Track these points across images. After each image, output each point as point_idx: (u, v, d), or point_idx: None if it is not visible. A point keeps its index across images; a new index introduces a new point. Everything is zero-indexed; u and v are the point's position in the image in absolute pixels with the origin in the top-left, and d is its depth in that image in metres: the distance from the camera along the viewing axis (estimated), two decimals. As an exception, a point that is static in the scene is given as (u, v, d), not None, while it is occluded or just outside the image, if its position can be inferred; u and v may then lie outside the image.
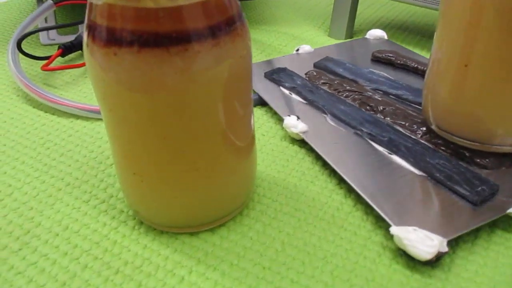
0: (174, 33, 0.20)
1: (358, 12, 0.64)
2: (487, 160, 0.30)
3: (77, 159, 0.33)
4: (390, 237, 0.26)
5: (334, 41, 0.55)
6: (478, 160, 0.30)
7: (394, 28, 0.59)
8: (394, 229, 0.25)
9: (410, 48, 0.52)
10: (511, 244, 0.26)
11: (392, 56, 0.44)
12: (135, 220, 0.28)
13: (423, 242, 0.24)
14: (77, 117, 0.38)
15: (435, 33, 0.31)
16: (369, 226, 0.27)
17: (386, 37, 0.50)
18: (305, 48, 0.47)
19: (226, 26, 0.21)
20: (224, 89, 0.22)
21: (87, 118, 0.38)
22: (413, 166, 0.30)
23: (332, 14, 0.57)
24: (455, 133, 0.31)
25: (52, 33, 0.53)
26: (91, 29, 0.21)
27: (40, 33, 0.53)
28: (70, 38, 0.51)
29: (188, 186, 0.24)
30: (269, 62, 0.45)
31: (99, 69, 0.21)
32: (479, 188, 0.27)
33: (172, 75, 0.20)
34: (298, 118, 0.35)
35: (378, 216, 0.28)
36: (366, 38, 0.51)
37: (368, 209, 0.29)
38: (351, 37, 0.57)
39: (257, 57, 0.50)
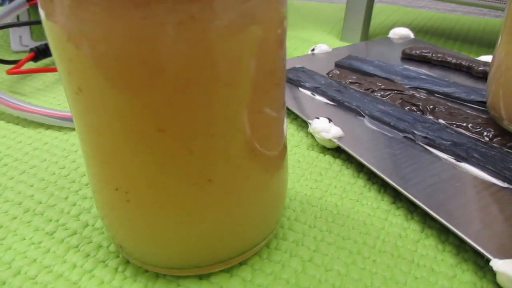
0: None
1: (373, 15, 0.58)
2: None
3: (43, 178, 0.25)
4: (484, 273, 0.19)
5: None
6: None
7: (414, 31, 0.53)
8: (497, 264, 0.17)
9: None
10: None
11: (427, 52, 0.37)
12: (119, 258, 0.20)
13: (549, 282, 0.16)
14: (47, 127, 0.30)
15: (506, 14, 0.24)
16: (450, 259, 0.20)
17: (412, 35, 0.44)
18: (322, 47, 0.40)
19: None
20: (250, 68, 0.15)
21: (59, 128, 0.30)
22: (494, 176, 0.22)
23: (345, 17, 0.51)
24: (543, 132, 0.23)
25: (25, 38, 0.46)
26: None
27: (11, 38, 0.45)
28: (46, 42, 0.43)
29: (197, 207, 0.16)
30: (281, 62, 0.38)
31: (61, 33, 0.14)
32: None
33: (173, 27, 0.13)
34: (330, 120, 0.27)
35: (458, 245, 0.20)
36: (389, 38, 0.44)
37: (443, 235, 0.21)
38: (365, 39, 0.51)
39: (265, 60, 0.43)
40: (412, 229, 0.21)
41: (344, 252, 0.20)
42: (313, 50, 0.40)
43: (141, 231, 0.17)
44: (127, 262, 0.19)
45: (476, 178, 0.23)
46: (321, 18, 0.58)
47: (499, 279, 0.17)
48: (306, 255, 0.20)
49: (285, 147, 0.19)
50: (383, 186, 0.24)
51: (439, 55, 0.36)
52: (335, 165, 0.26)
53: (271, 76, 0.16)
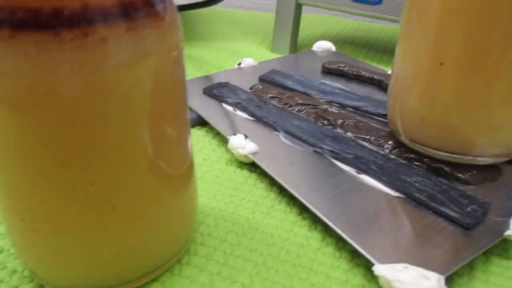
0: (67, 9, 0.14)
1: (301, 27, 0.60)
2: (469, 174, 0.25)
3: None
4: (373, 277, 0.21)
5: (277, 56, 0.51)
6: (460, 175, 0.25)
7: (340, 42, 0.56)
8: (379, 269, 0.19)
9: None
10: (511, 273, 0.22)
11: (344, 67, 0.40)
12: (33, 283, 0.20)
13: (419, 283, 0.18)
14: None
15: (400, 30, 0.26)
16: (344, 265, 0.22)
17: (334, 48, 0.46)
18: (248, 61, 0.42)
19: (146, 5, 0.15)
20: (145, 98, 0.16)
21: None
22: (388, 186, 0.25)
23: (274, 28, 0.53)
24: (429, 145, 0.26)
25: None
26: None
27: None
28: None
29: (102, 233, 0.17)
30: (207, 77, 0.39)
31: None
32: (469, 208, 0.23)
33: (64, 74, 0.14)
34: (246, 137, 0.29)
35: (353, 251, 0.22)
36: (313, 50, 0.46)
37: (340, 243, 0.23)
38: (295, 52, 0.53)
39: (195, 74, 0.44)
40: (314, 238, 0.23)
41: (250, 264, 0.21)
42: (239, 64, 0.42)
43: (49, 257, 0.18)
44: (41, 286, 0.20)
45: (373, 188, 0.25)
46: (252, 28, 0.60)
47: (380, 282, 0.20)
48: (215, 269, 0.21)
49: (191, 165, 0.21)
50: (292, 199, 0.26)
51: (354, 69, 0.39)
52: (251, 179, 0.28)
53: (168, 103, 0.18)
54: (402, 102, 0.27)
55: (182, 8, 0.51)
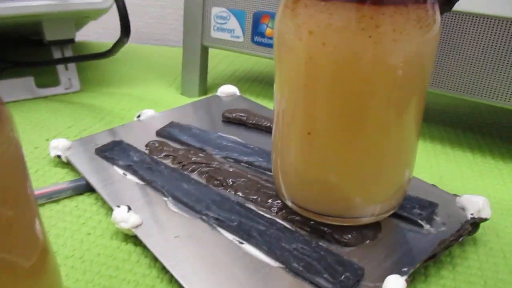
0: None
1: (211, 66, 0.60)
2: (349, 236, 0.26)
3: None
4: None
5: (187, 100, 0.50)
6: (339, 237, 0.26)
7: (249, 81, 0.57)
8: None
9: (265, 102, 0.49)
10: (386, 338, 0.22)
11: (243, 116, 0.40)
12: None
13: None
14: None
15: (274, 100, 0.27)
16: None
17: (238, 93, 0.46)
18: (148, 113, 0.41)
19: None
20: None
21: None
22: (268, 255, 0.25)
23: (182, 71, 0.52)
24: (311, 209, 0.26)
25: None
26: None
27: None
28: None
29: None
30: (102, 134, 0.38)
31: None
32: (343, 277, 0.23)
33: None
34: (130, 209, 0.28)
35: (230, 333, 0.22)
36: (218, 96, 0.46)
37: (218, 325, 0.22)
38: (205, 93, 0.53)
39: (94, 127, 0.42)
40: (192, 321, 0.22)
41: None
42: (139, 116, 0.41)
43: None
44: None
45: (255, 259, 0.25)
46: (162, 68, 0.60)
47: None
48: None
49: (43, 252, 0.19)
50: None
51: (253, 118, 0.39)
52: (135, 254, 0.27)
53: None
54: (282, 164, 0.27)
55: (81, 58, 0.49)
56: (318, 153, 0.24)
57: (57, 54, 0.51)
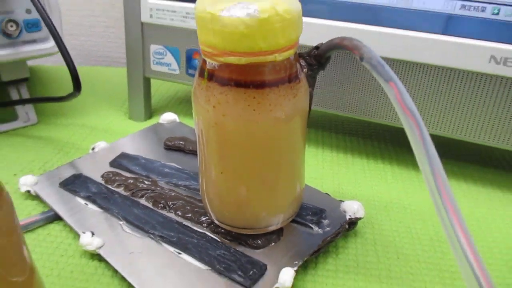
0: None
1: (154, 89, 0.68)
2: (258, 241, 0.36)
3: None
4: None
5: (135, 124, 0.58)
6: (251, 242, 0.35)
7: (188, 103, 0.65)
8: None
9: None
10: (284, 311, 0.32)
11: (181, 144, 0.48)
12: None
13: None
14: None
15: (196, 133, 0.35)
16: (166, 332, 0.30)
17: (178, 119, 0.55)
18: (101, 145, 0.49)
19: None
20: None
21: None
22: (200, 261, 0.34)
23: (128, 98, 0.60)
24: (230, 224, 0.36)
25: None
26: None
27: None
28: None
29: None
30: (64, 167, 0.46)
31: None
32: (251, 272, 0.33)
33: None
34: (93, 234, 0.36)
35: (173, 319, 0.31)
36: (160, 123, 0.55)
37: (165, 314, 0.32)
38: (150, 117, 0.61)
39: (53, 159, 0.50)
40: (146, 314, 0.31)
41: None
42: (93, 148, 0.49)
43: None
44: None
45: (189, 264, 0.34)
46: (110, 91, 0.67)
47: None
48: None
49: (31, 270, 0.27)
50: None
51: (190, 145, 0.48)
52: (100, 268, 0.35)
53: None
54: (206, 192, 0.36)
55: (37, 100, 0.56)
56: (229, 186, 0.34)
57: (13, 92, 0.57)
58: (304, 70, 0.35)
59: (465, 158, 0.53)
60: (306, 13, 0.46)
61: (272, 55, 0.28)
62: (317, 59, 0.35)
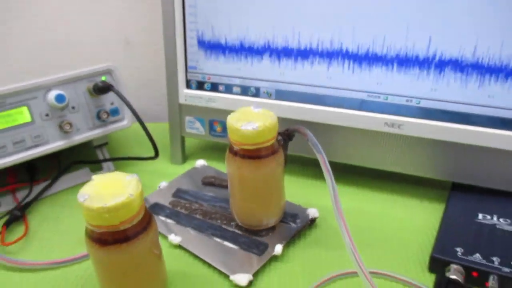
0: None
1: (187, 141, 1.01)
2: (263, 232, 0.68)
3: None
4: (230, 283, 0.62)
5: (176, 167, 0.90)
6: (259, 232, 0.68)
7: (212, 149, 0.98)
8: (232, 277, 0.61)
9: (220, 165, 0.90)
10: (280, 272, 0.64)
11: (214, 180, 0.81)
12: None
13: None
14: (46, 268, 0.65)
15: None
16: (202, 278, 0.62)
17: (206, 164, 0.88)
18: (163, 184, 0.81)
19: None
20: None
21: (53, 268, 0.65)
22: (233, 244, 0.66)
23: (170, 149, 0.93)
24: (245, 224, 0.68)
25: None
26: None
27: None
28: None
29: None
30: (145, 199, 0.78)
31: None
32: (261, 247, 0.65)
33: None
34: (176, 234, 0.68)
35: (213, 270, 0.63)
36: (196, 167, 0.87)
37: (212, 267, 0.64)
38: (185, 161, 0.94)
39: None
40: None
41: None
42: (160, 186, 0.81)
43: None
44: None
45: (228, 247, 0.66)
46: (159, 143, 0.99)
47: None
48: (177, 291, 0.60)
49: (161, 258, 0.59)
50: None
51: (218, 181, 0.80)
52: (180, 253, 0.67)
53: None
54: (232, 207, 0.68)
55: (114, 159, 0.88)
56: (245, 204, 0.66)
57: (99, 152, 0.90)
58: (281, 141, 0.68)
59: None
60: (284, 98, 0.80)
61: (264, 144, 0.61)
62: (287, 135, 0.68)
